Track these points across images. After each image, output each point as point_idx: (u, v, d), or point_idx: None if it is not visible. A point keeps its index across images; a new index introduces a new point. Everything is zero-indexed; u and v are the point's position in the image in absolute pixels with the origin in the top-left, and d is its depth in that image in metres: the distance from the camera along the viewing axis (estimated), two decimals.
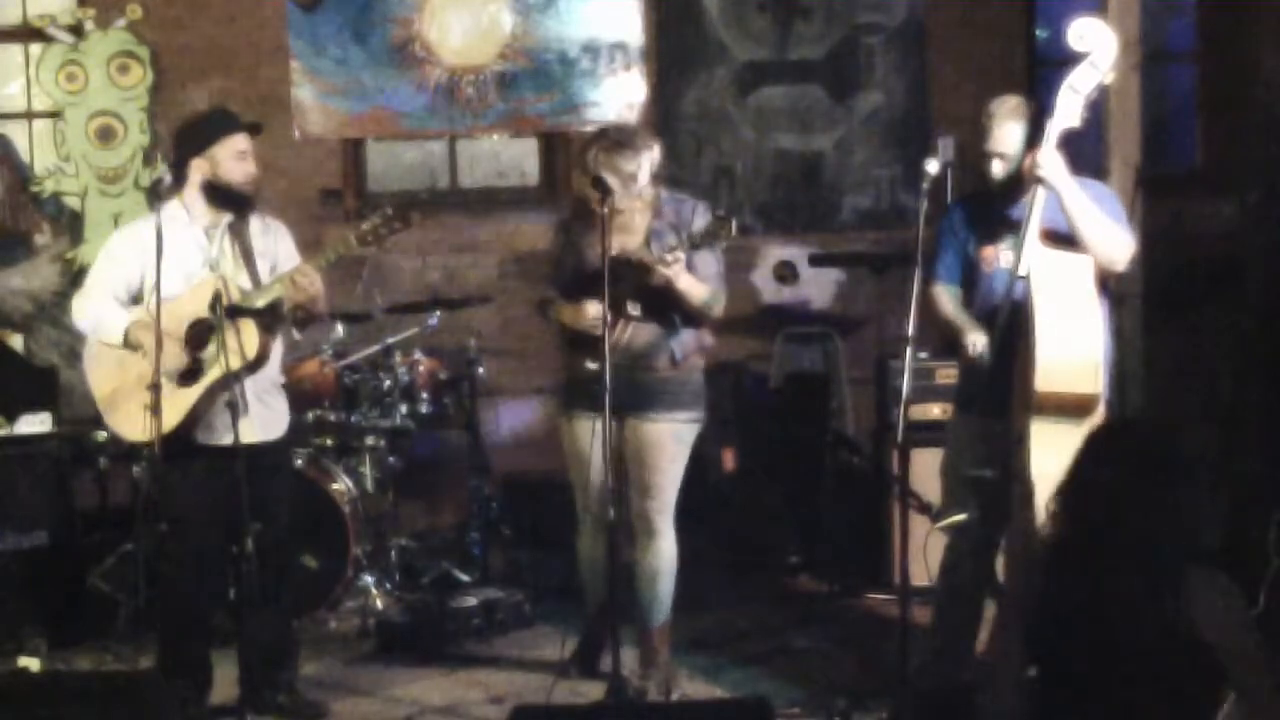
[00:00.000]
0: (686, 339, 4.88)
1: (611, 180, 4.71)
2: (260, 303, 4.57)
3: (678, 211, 4.85)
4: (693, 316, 4.86)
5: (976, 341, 4.61)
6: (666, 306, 4.78)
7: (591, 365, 4.72)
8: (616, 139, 4.85)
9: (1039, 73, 7.35)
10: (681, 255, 4.66)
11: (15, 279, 7.45)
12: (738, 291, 7.58)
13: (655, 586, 4.95)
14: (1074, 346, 4.39)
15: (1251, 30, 6.80)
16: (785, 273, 7.63)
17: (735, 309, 7.56)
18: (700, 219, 4.83)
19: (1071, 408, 4.39)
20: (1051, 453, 4.38)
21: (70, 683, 4.50)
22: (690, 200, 4.98)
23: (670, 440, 4.87)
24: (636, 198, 4.80)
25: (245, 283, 4.66)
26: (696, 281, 4.76)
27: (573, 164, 5.00)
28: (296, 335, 4.87)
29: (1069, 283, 4.46)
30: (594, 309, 4.67)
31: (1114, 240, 4.54)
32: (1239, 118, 6.90)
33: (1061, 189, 4.46)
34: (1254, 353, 6.03)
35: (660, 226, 4.83)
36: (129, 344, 4.60)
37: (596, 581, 5.02)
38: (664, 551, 4.94)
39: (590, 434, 4.81)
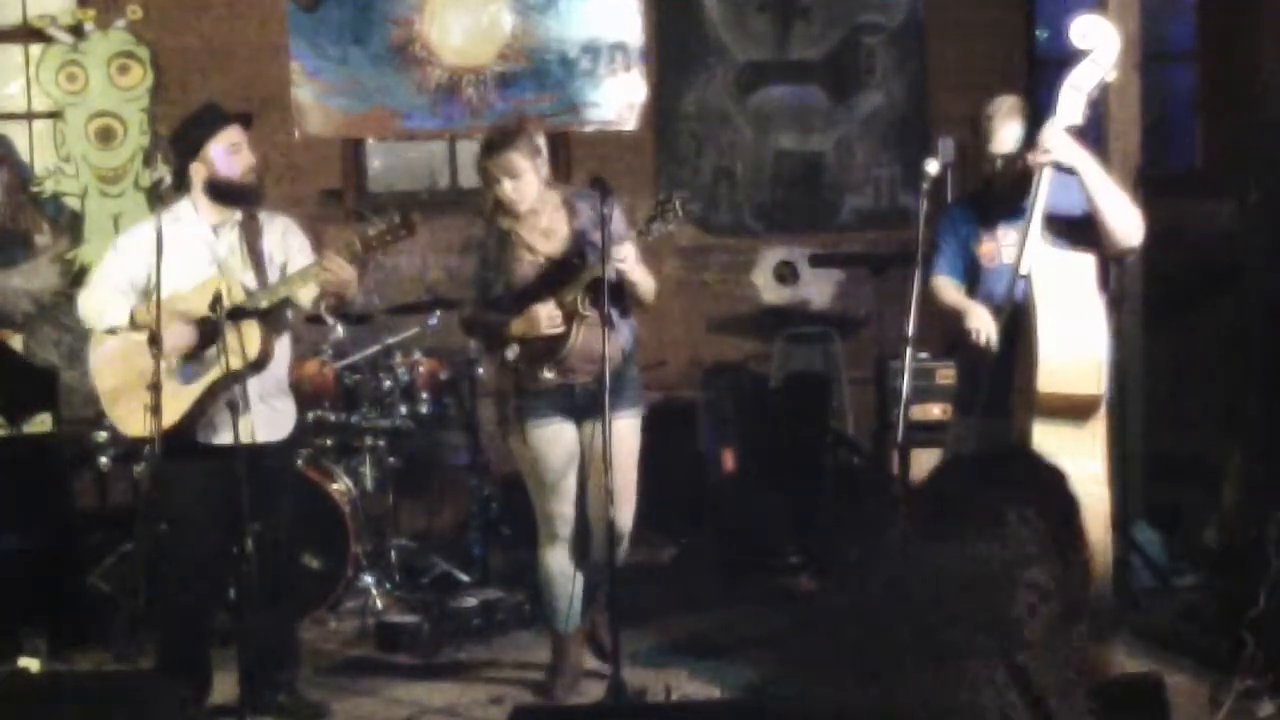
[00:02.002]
0: (628, 332, 4.87)
1: (507, 184, 4.69)
2: (264, 304, 4.57)
3: (593, 206, 4.72)
4: (627, 311, 4.84)
5: (982, 326, 4.55)
6: (610, 302, 4.73)
7: (549, 375, 4.72)
8: (498, 141, 4.75)
9: (1039, 73, 7.34)
10: (633, 249, 4.63)
11: (15, 279, 7.45)
12: (738, 291, 7.64)
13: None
14: (1076, 347, 4.39)
15: (1251, 30, 6.80)
16: (785, 273, 7.63)
17: (735, 309, 7.63)
18: (616, 210, 4.74)
19: (1074, 409, 4.39)
20: (1056, 452, 4.37)
21: (70, 683, 4.50)
22: (596, 194, 4.93)
23: (630, 435, 4.83)
24: (537, 201, 4.76)
25: (251, 282, 4.65)
26: (645, 272, 4.74)
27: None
28: (330, 321, 4.86)
29: (1071, 282, 4.45)
30: (545, 310, 4.65)
31: (1130, 216, 4.52)
32: (1239, 118, 6.90)
33: (1078, 164, 4.42)
34: (1254, 353, 6.03)
35: (583, 225, 4.76)
36: (135, 324, 4.59)
37: (570, 598, 4.93)
38: (627, 555, 4.90)
39: (558, 436, 4.79)
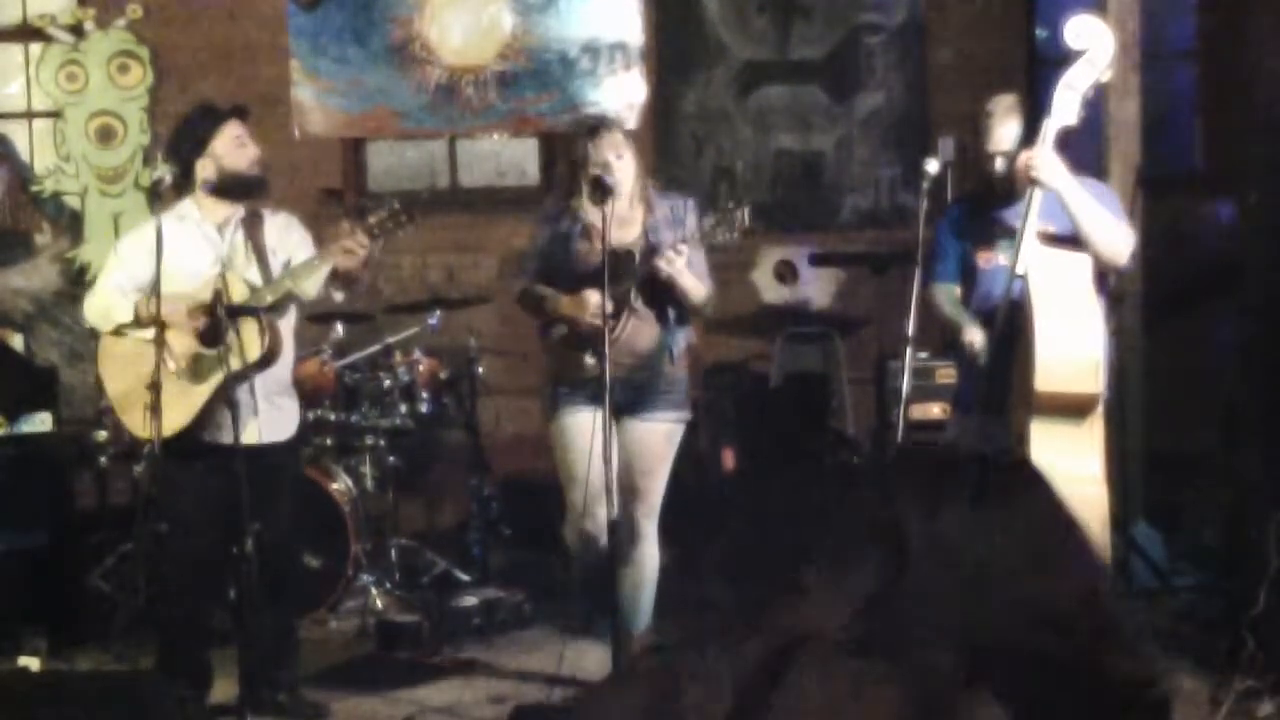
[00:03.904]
0: (680, 338, 4.86)
1: (616, 165, 4.70)
2: (269, 299, 4.57)
3: (671, 208, 4.82)
4: (685, 315, 4.85)
5: (974, 339, 4.61)
6: (665, 303, 4.76)
7: (590, 360, 4.71)
8: (599, 124, 4.89)
9: (1039, 72, 7.34)
10: (685, 251, 4.64)
11: (15, 279, 7.46)
12: (738, 291, 7.63)
13: (638, 592, 4.85)
14: (1074, 346, 4.39)
15: (1251, 30, 6.80)
16: (785, 273, 7.63)
17: (735, 309, 7.62)
18: (692, 216, 4.81)
19: (1072, 407, 4.39)
20: (1052, 452, 4.38)
21: (70, 683, 4.50)
22: (681, 198, 4.94)
23: (663, 440, 4.83)
24: (631, 190, 4.77)
25: (256, 279, 4.65)
26: (695, 280, 4.74)
27: (562, 157, 4.94)
28: (338, 297, 4.86)
29: (1067, 282, 4.46)
30: (597, 298, 4.63)
31: (1115, 237, 4.54)
32: (1239, 118, 6.90)
33: (1061, 189, 4.46)
34: (1254, 353, 6.03)
35: (655, 222, 4.80)
36: (140, 320, 4.60)
37: (595, 558, 4.83)
38: (647, 556, 4.87)
39: (587, 427, 4.75)
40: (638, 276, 4.67)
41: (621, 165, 4.73)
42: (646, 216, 4.81)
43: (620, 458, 4.79)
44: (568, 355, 4.78)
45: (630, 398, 4.68)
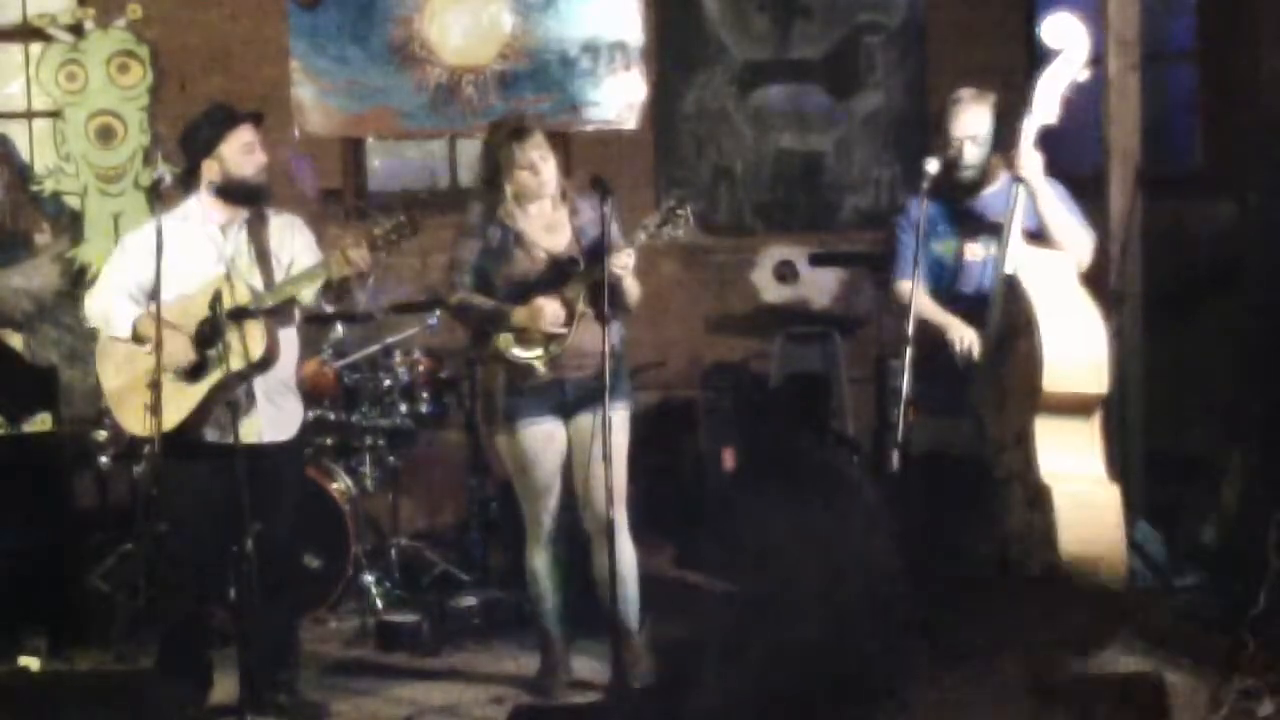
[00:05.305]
0: (618, 331, 4.87)
1: (540, 166, 4.72)
2: (270, 303, 4.57)
3: (592, 206, 4.75)
4: (617, 312, 4.83)
5: (965, 337, 4.59)
6: (602, 304, 4.72)
7: (542, 370, 4.72)
8: (522, 127, 4.86)
9: (1039, 72, 7.33)
10: (633, 256, 4.66)
11: (15, 279, 7.45)
12: (738, 291, 7.64)
13: (624, 590, 4.81)
14: (1078, 346, 4.41)
15: (1251, 30, 6.79)
16: (785, 273, 7.63)
17: (735, 309, 7.63)
18: (613, 214, 4.80)
19: (1076, 407, 4.40)
20: (1062, 451, 4.39)
21: (70, 683, 4.51)
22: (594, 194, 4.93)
23: (619, 430, 4.80)
24: (554, 193, 4.81)
25: (258, 282, 4.65)
26: (635, 281, 4.78)
27: (487, 164, 4.93)
28: (328, 308, 4.86)
29: (1056, 280, 4.49)
30: (551, 308, 4.66)
31: (1081, 238, 4.63)
32: (1239, 118, 6.90)
33: (1039, 189, 4.51)
34: (1254, 353, 6.03)
35: (583, 223, 4.81)
36: (137, 337, 4.60)
37: (558, 600, 4.93)
38: (625, 550, 4.83)
39: (550, 436, 4.80)
40: (588, 280, 4.65)
41: (546, 168, 4.76)
42: (572, 218, 4.81)
43: (581, 456, 4.81)
44: (514, 365, 4.77)
45: (583, 396, 4.70)
